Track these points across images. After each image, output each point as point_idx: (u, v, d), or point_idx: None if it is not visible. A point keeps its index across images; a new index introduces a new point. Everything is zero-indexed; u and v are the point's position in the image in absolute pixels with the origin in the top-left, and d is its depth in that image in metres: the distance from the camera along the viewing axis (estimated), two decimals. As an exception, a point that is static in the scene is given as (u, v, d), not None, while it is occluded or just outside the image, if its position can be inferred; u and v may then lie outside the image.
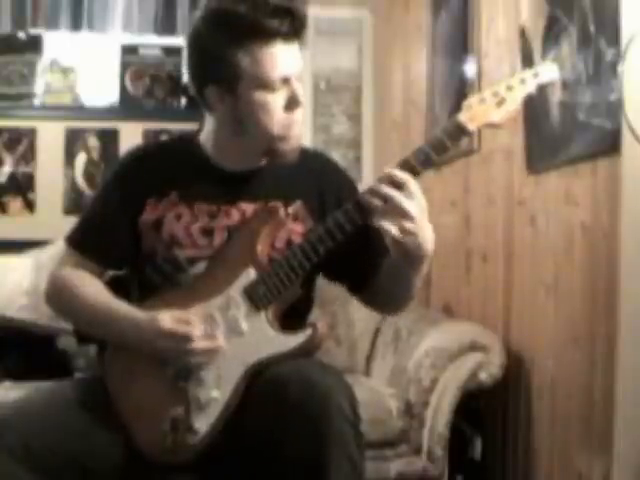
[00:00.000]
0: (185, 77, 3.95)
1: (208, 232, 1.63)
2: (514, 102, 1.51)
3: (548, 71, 1.54)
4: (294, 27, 1.53)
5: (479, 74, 2.86)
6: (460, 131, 1.49)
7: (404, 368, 2.57)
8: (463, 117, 1.49)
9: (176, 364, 1.54)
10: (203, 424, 1.52)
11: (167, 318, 1.51)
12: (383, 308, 1.80)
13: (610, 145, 1.94)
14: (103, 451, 1.53)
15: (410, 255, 1.47)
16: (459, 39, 3.02)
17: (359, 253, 1.64)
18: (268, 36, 1.51)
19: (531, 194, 2.47)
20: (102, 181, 1.76)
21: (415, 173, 1.47)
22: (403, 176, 1.45)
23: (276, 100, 1.55)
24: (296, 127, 1.59)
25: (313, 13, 3.95)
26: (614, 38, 1.90)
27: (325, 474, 1.39)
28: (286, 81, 1.55)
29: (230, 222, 1.63)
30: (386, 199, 1.44)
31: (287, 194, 1.66)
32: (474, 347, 2.49)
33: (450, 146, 1.49)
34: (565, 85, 2.20)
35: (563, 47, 2.21)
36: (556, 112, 2.25)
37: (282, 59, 1.53)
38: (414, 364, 2.52)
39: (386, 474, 2.45)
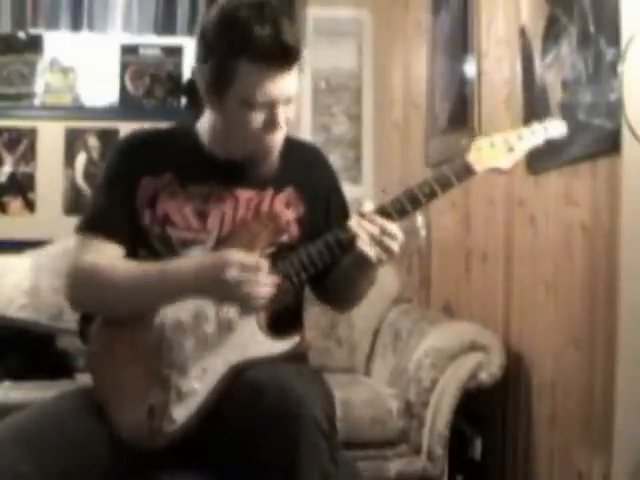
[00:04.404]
0: (185, 76, 3.97)
1: (202, 215, 1.64)
2: (521, 151, 1.62)
3: (557, 127, 1.65)
4: (286, 61, 1.53)
5: (479, 74, 2.86)
6: (467, 171, 1.59)
7: (404, 368, 2.57)
8: (472, 158, 1.58)
9: (162, 353, 1.54)
10: (181, 414, 1.52)
11: (236, 250, 1.51)
12: (336, 305, 1.84)
13: (610, 145, 1.94)
14: (92, 462, 1.53)
15: (372, 266, 1.59)
16: (459, 39, 3.02)
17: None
18: (261, 60, 1.51)
19: (531, 194, 2.47)
20: (103, 167, 1.74)
21: (418, 203, 1.57)
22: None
23: (254, 119, 1.56)
24: (272, 147, 1.61)
25: (313, 13, 3.99)
26: (614, 38, 1.90)
27: None
28: (270, 104, 1.55)
29: (225, 208, 1.65)
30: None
31: (279, 181, 1.68)
32: (474, 347, 2.49)
33: (455, 184, 1.58)
34: (565, 85, 2.20)
35: (563, 47, 2.21)
36: (556, 112, 2.25)
37: (270, 84, 1.53)
38: (414, 364, 2.52)
39: (386, 474, 2.45)
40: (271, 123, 1.56)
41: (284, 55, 1.52)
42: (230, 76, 1.53)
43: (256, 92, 1.53)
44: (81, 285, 1.62)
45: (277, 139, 1.61)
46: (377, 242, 1.52)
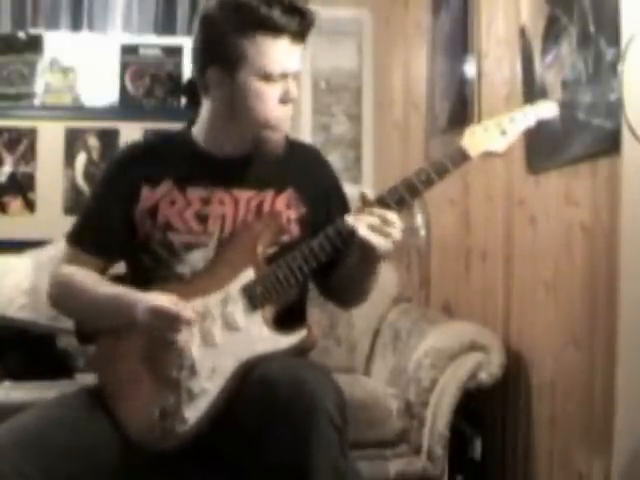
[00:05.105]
0: (185, 76, 3.96)
1: (202, 218, 1.66)
2: (514, 134, 1.62)
3: (548, 108, 1.67)
4: (302, 27, 1.62)
5: (479, 74, 2.86)
6: (461, 156, 1.60)
7: (404, 368, 2.57)
8: (466, 143, 1.60)
9: (171, 356, 1.56)
10: (192, 414, 1.53)
11: (161, 297, 1.54)
12: (341, 302, 1.84)
13: (610, 145, 1.94)
14: (101, 464, 1.53)
15: (376, 256, 1.58)
16: (459, 39, 3.02)
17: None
18: (276, 31, 1.58)
19: (531, 194, 2.47)
20: (99, 177, 1.79)
21: (415, 191, 1.57)
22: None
23: (272, 92, 1.62)
24: (285, 121, 1.66)
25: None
26: (614, 38, 1.90)
27: (307, 477, 1.40)
28: (284, 76, 1.62)
29: (225, 210, 1.66)
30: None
31: (279, 182, 1.71)
32: (474, 347, 2.49)
33: (451, 169, 1.59)
34: (565, 85, 2.20)
35: (563, 47, 2.21)
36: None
37: (285, 55, 1.60)
38: (414, 364, 2.52)
39: (386, 474, 2.45)
40: (287, 94, 1.63)
41: (299, 21, 1.60)
42: (244, 53, 1.58)
43: (273, 64, 1.59)
44: (58, 294, 1.71)
45: (289, 112, 1.66)
46: (377, 230, 1.52)
